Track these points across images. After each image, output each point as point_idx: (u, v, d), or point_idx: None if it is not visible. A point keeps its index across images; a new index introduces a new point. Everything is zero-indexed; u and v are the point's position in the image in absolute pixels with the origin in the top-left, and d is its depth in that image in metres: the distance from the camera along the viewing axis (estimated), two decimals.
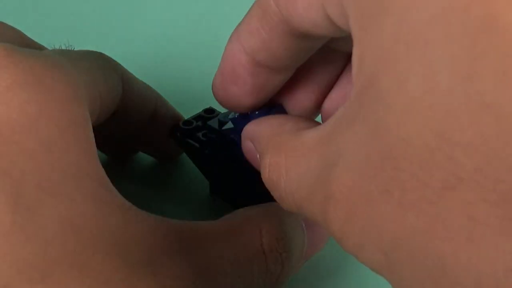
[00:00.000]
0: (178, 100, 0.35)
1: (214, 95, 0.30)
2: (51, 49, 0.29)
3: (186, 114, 0.35)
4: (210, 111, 0.35)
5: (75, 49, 0.31)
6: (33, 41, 0.32)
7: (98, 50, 0.31)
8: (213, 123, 0.33)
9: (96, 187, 0.25)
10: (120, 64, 0.31)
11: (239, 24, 0.27)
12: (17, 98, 0.25)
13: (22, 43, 0.31)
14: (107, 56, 0.31)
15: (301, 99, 0.30)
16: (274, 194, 0.25)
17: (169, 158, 0.37)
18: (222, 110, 0.34)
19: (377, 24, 0.19)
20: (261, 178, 0.31)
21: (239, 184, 0.33)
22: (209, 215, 0.35)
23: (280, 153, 0.25)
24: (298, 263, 0.29)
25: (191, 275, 0.25)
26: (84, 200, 0.25)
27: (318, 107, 0.30)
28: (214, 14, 0.36)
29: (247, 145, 0.28)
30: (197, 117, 0.35)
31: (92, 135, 0.27)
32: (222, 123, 0.32)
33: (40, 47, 0.32)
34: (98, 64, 0.29)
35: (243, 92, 0.29)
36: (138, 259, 0.24)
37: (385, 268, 0.20)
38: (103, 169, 0.26)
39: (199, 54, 0.33)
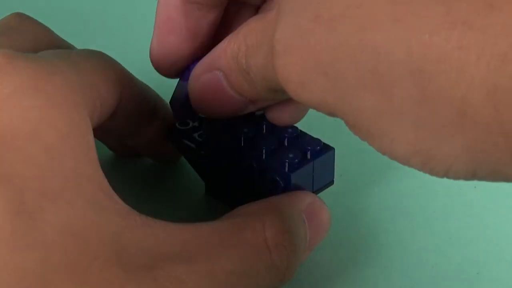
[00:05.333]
0: None
1: (152, 59, 0.31)
2: (51, 51, 0.29)
3: None
4: None
5: (76, 50, 0.31)
6: (61, 39, 0.33)
7: (98, 50, 0.31)
8: (210, 123, 0.33)
9: (96, 192, 0.25)
10: (119, 63, 0.31)
11: None
12: (18, 105, 0.25)
13: (50, 42, 0.32)
14: (107, 55, 0.31)
15: None
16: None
17: (169, 161, 0.36)
18: None
19: None
20: (257, 178, 0.31)
21: (235, 184, 0.33)
22: (204, 215, 0.34)
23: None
24: (303, 256, 0.29)
25: (194, 278, 0.25)
26: (84, 206, 0.25)
27: None
28: None
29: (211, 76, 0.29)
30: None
31: (92, 139, 0.27)
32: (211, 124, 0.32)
33: (68, 46, 0.33)
34: (98, 64, 0.29)
35: (180, 39, 0.31)
36: (138, 264, 0.24)
37: (330, 90, 0.22)
38: (103, 173, 0.26)
39: None
